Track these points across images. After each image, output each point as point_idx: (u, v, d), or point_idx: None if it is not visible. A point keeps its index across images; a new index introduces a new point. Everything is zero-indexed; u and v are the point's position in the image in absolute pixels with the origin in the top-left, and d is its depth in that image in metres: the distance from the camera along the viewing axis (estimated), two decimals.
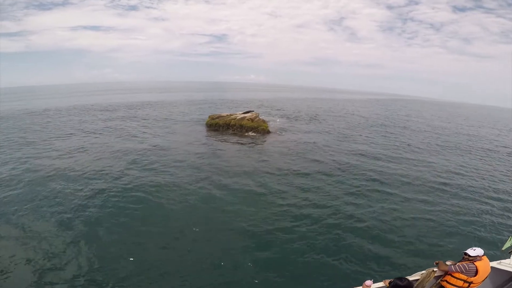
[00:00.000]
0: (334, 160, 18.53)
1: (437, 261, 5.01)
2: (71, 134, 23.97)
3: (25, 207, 11.15)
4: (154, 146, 20.38)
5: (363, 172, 16.44)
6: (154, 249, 8.82)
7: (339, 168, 16.97)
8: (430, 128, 37.05)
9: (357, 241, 9.54)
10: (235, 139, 23.98)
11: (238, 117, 28.20)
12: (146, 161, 16.80)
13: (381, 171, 16.92)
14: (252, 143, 22.82)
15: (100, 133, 24.27)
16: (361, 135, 28.22)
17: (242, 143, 22.53)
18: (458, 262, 4.82)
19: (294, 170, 16.29)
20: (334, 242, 9.43)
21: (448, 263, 4.94)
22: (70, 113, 37.19)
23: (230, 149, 20.78)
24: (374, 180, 15.30)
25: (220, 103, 56.23)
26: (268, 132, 26.50)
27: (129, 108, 43.14)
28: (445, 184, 15.55)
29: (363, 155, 20.28)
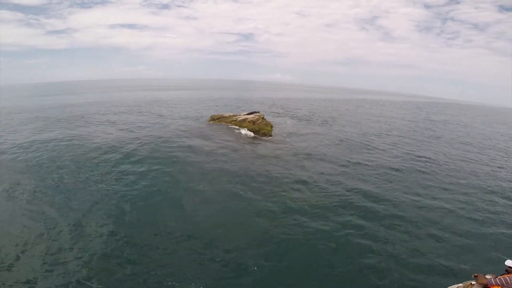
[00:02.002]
0: (327, 180, 14.99)
1: (476, 274, 4.74)
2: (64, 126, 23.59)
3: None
4: (136, 144, 19.05)
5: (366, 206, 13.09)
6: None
7: (328, 195, 13.22)
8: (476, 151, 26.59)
9: (387, 249, 9.13)
10: (227, 141, 21.61)
11: (239, 119, 26.12)
12: (120, 168, 15.34)
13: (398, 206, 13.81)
14: (242, 148, 20.18)
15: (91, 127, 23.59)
16: (376, 149, 23.12)
17: (231, 147, 20.09)
18: (500, 275, 4.58)
19: (265, 190, 13.22)
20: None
21: (488, 276, 4.65)
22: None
23: (213, 152, 18.54)
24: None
25: (234, 102, 54.53)
26: (270, 135, 24.04)
27: (138, 105, 43.02)
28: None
29: (363, 192, 13.49)
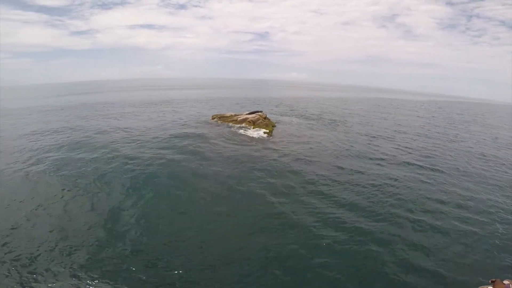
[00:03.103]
0: (317, 189, 13.30)
1: (493, 279, 4.57)
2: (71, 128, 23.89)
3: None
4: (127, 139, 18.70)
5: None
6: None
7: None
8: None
9: (400, 255, 8.66)
10: (221, 141, 20.32)
11: (239, 119, 25.25)
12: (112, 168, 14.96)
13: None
14: (234, 148, 18.85)
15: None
16: (383, 155, 20.07)
17: (223, 147, 18.90)
18: None
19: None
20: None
21: (506, 282, 4.45)
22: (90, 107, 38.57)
23: (199, 152, 17.71)
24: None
25: (242, 101, 53.64)
26: (270, 136, 22.89)
27: (142, 105, 43.37)
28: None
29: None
